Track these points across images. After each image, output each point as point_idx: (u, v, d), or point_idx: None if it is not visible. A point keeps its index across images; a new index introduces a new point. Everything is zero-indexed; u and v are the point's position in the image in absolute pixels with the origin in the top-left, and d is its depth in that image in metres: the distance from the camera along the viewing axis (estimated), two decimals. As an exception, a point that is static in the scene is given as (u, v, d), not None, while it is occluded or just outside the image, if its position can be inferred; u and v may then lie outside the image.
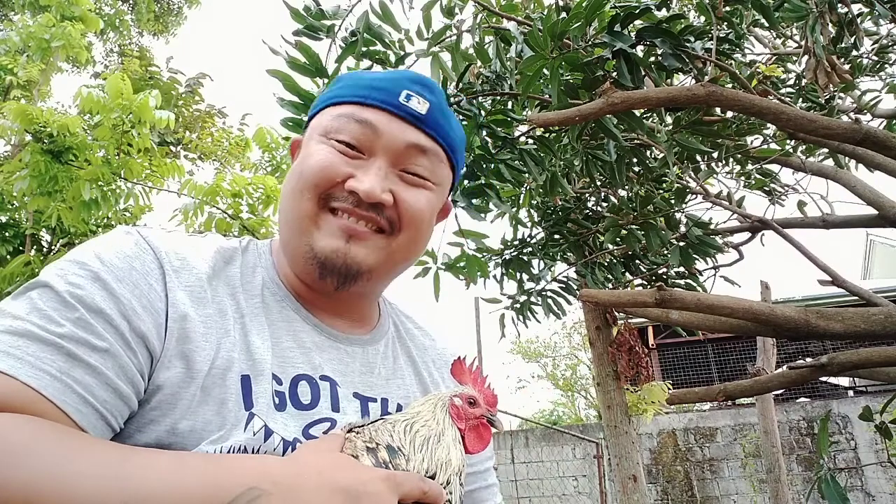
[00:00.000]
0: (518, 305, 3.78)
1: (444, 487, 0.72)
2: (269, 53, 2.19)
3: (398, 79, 0.90)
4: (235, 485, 0.62)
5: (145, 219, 5.87)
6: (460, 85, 2.42)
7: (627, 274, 3.82)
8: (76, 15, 7.36)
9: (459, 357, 0.88)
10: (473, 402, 0.82)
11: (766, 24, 2.78)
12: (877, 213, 3.42)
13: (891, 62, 3.56)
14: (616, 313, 4.49)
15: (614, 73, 2.18)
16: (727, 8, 2.32)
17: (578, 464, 9.76)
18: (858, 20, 2.57)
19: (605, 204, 3.73)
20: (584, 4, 2.00)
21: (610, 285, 3.70)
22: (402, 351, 1.01)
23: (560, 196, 3.24)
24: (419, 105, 0.88)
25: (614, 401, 4.29)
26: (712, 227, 3.56)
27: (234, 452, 0.72)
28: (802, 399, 10.71)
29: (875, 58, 3.51)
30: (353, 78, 0.93)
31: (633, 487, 4.16)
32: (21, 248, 6.17)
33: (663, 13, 2.31)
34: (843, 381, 11.11)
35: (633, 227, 3.11)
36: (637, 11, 2.10)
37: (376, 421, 0.78)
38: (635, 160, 2.77)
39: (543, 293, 3.76)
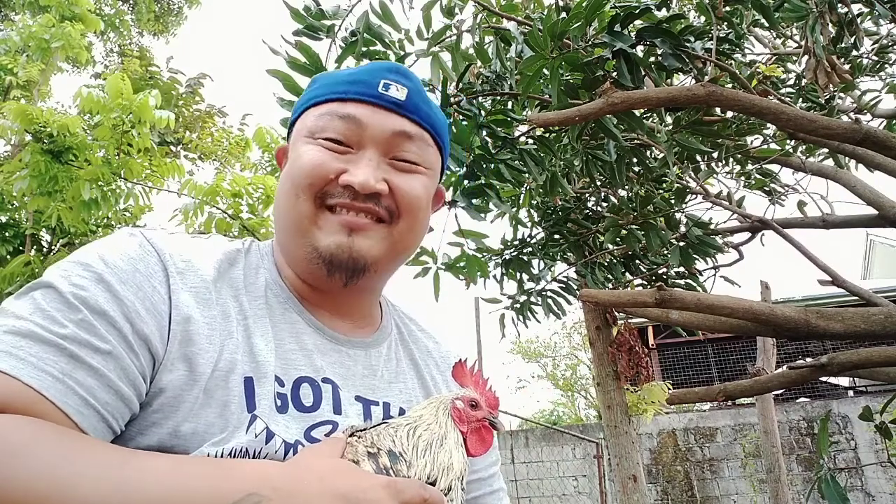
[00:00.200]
0: (518, 305, 3.78)
1: (446, 494, 0.72)
2: (270, 53, 2.20)
3: (373, 70, 0.90)
4: (235, 490, 0.62)
5: (145, 219, 5.87)
6: (460, 85, 2.42)
7: (627, 274, 3.82)
8: (76, 15, 7.36)
9: (460, 359, 0.87)
10: (475, 405, 0.81)
11: (766, 24, 2.78)
12: (877, 213, 3.42)
13: (891, 62, 3.56)
14: (616, 313, 4.49)
15: (614, 73, 2.18)
16: (727, 8, 2.32)
17: (578, 464, 9.76)
18: (858, 20, 2.58)
19: (605, 204, 3.73)
20: (584, 4, 2.00)
21: (610, 285, 3.70)
22: (405, 354, 1.00)
23: (560, 196, 3.24)
24: (398, 92, 0.88)
25: (614, 401, 4.29)
26: (712, 227, 3.56)
27: (235, 454, 0.72)
28: (802, 399, 10.71)
29: (875, 58, 3.51)
30: (329, 77, 0.93)
31: (633, 487, 4.16)
32: (21, 248, 6.17)
33: (663, 13, 2.32)
34: (843, 381, 11.10)
35: (633, 227, 3.11)
36: (637, 11, 2.10)
37: (379, 425, 0.78)
38: (635, 160, 2.77)
39: (543, 293, 3.77)
